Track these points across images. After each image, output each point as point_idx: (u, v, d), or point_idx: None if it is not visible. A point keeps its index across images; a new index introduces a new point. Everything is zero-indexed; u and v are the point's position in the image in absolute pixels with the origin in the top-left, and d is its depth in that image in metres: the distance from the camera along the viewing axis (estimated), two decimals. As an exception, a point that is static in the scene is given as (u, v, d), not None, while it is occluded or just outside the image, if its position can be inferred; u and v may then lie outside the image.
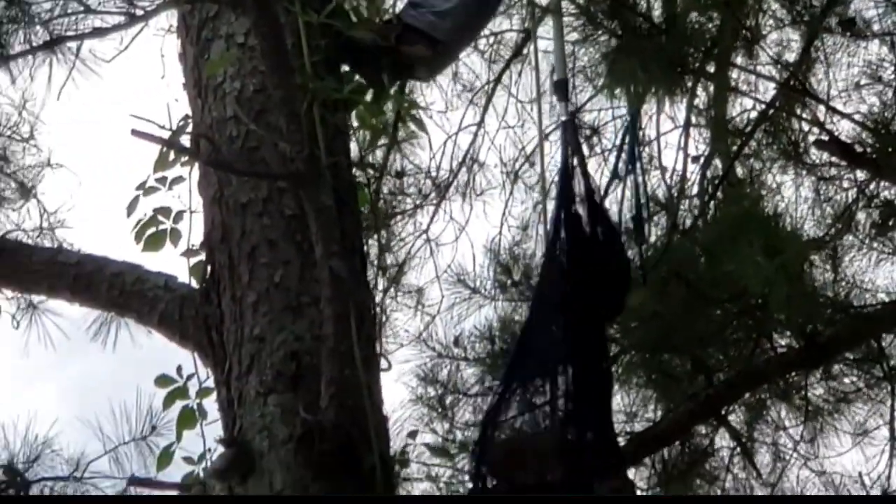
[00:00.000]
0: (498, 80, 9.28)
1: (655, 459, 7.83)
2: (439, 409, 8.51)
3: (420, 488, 7.50)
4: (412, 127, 7.63)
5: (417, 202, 9.43)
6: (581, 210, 5.23)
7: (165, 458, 5.34)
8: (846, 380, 7.67)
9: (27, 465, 6.49)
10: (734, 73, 7.92)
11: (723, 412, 7.44)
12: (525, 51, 9.02)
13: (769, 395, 7.46)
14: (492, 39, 9.22)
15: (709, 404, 7.27)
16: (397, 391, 8.35)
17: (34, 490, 6.41)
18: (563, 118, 5.70)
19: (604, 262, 5.21)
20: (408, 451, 6.31)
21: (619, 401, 7.67)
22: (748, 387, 7.40)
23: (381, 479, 4.43)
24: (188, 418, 5.14)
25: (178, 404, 5.27)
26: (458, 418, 8.45)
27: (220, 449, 4.59)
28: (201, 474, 4.99)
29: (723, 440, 8.11)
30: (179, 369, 5.23)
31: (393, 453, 4.98)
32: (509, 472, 4.90)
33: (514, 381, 5.01)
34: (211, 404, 4.93)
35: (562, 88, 5.79)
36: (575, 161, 5.37)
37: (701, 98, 8.27)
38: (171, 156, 5.24)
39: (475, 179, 9.54)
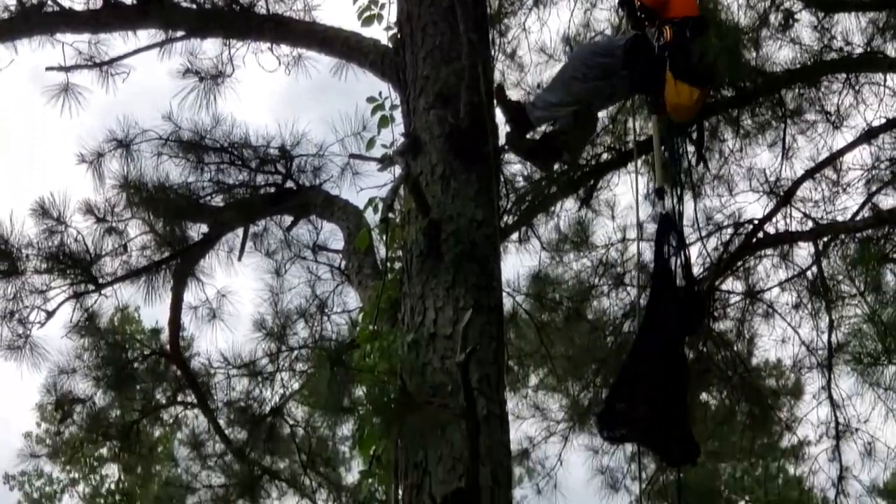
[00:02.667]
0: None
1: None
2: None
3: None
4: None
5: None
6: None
7: (371, 143, 8.68)
8: (760, 112, 10.78)
9: (292, 147, 9.91)
10: None
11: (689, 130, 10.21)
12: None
13: (720, 121, 10.63)
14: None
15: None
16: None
17: (295, 162, 9.82)
18: (662, 212, 7.44)
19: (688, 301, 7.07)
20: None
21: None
22: (706, 116, 10.49)
23: (493, 160, 7.23)
24: (385, 121, 8.41)
25: (379, 114, 8.46)
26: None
27: (402, 139, 7.50)
28: (390, 153, 8.04)
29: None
30: (380, 94, 8.45)
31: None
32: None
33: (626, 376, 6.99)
34: (398, 115, 8.04)
35: (659, 193, 7.58)
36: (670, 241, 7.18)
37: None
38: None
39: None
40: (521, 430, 13.02)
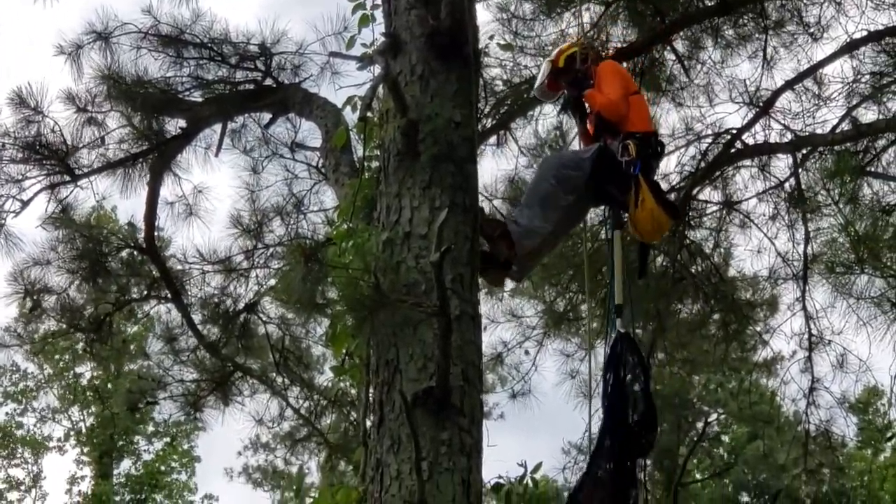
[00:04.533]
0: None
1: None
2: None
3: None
4: None
5: None
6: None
7: (351, 42, 8.69)
8: (742, 23, 10.75)
9: (272, 44, 9.85)
10: None
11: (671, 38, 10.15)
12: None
13: (701, 32, 10.59)
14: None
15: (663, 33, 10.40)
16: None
17: (275, 60, 9.76)
18: (621, 330, 7.46)
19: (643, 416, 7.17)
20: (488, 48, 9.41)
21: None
22: (687, 24, 10.52)
23: (472, 61, 7.26)
24: (365, 21, 8.28)
25: (359, 13, 8.30)
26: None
27: (382, 39, 7.40)
28: (370, 53, 8.03)
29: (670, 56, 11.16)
30: (362, -6, 8.29)
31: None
32: None
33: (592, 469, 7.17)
34: (379, 14, 7.92)
35: (618, 310, 7.58)
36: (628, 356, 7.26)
37: None
38: None
39: None
40: (495, 335, 13.11)
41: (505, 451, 8.07)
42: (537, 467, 7.58)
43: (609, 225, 8.06)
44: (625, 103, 7.92)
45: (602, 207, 8.25)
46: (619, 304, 7.63)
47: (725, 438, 39.22)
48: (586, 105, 8.18)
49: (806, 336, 11.99)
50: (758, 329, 12.86)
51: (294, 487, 17.37)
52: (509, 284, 10.60)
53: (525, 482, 7.57)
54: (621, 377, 7.22)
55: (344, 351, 7.40)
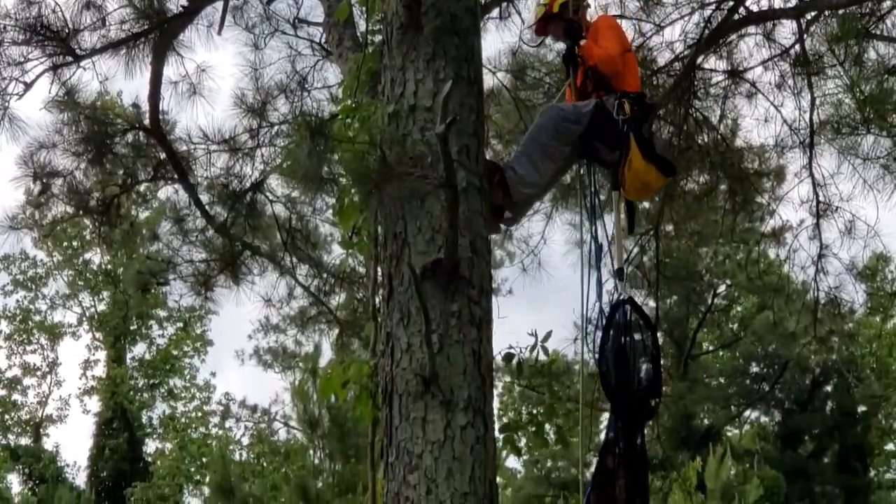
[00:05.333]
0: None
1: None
2: None
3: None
4: None
5: None
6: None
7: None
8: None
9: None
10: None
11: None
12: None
13: None
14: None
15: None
16: None
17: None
18: (623, 295, 7.49)
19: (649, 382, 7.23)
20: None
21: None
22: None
23: None
24: None
25: None
26: None
27: None
28: None
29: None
30: None
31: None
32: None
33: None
34: None
35: (619, 274, 7.68)
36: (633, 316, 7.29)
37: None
38: None
39: None
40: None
41: (515, 326, 8.13)
42: (547, 336, 7.65)
43: (589, 188, 8.10)
44: (621, 60, 7.93)
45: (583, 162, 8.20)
46: (619, 269, 7.74)
47: (735, 311, 39.44)
48: (579, 57, 8.11)
49: (813, 203, 11.95)
50: (765, 199, 12.84)
51: (309, 366, 17.50)
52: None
53: (536, 352, 7.63)
54: (623, 344, 7.25)
55: (351, 226, 7.41)
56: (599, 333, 7.32)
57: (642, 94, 8.02)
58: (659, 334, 8.85)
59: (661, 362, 7.44)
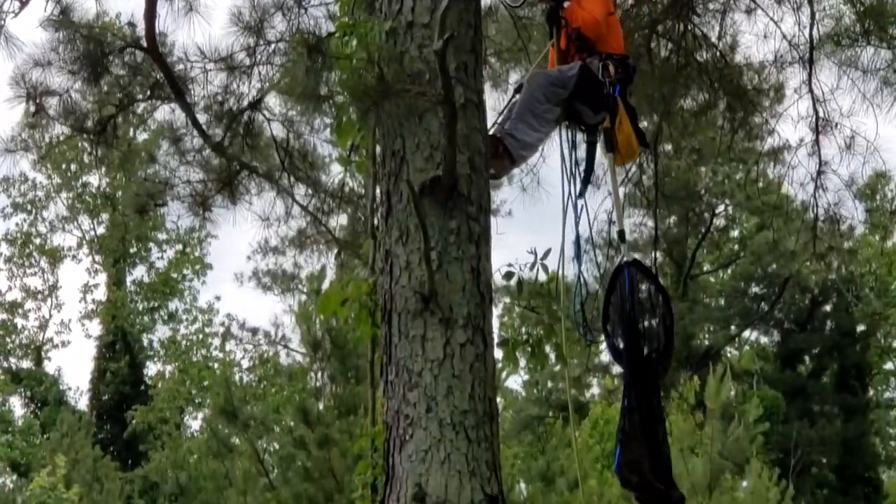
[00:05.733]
0: None
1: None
2: None
3: None
4: None
5: None
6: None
7: None
8: None
9: None
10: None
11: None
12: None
13: None
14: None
15: None
16: None
17: None
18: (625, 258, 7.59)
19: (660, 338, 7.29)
20: None
21: None
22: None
23: None
24: None
25: None
26: None
27: None
28: None
29: None
30: None
31: None
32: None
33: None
34: None
35: (621, 236, 7.86)
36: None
37: None
38: None
39: None
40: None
41: (514, 247, 8.12)
42: (547, 253, 7.61)
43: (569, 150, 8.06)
44: (605, 23, 7.92)
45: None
46: (620, 231, 7.85)
47: (734, 233, 39.48)
48: (563, 19, 8.03)
49: (813, 119, 11.88)
50: (764, 116, 12.76)
51: (314, 287, 17.48)
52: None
53: (535, 270, 7.61)
54: (630, 311, 7.26)
55: (349, 143, 7.38)
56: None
57: (626, 57, 8.05)
58: (658, 255, 8.79)
59: (673, 323, 7.42)
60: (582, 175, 7.83)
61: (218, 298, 55.12)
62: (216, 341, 44.15)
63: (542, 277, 7.72)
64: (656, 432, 7.08)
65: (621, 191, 10.74)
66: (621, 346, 7.27)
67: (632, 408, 7.09)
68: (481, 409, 6.12)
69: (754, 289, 38.19)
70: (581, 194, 7.92)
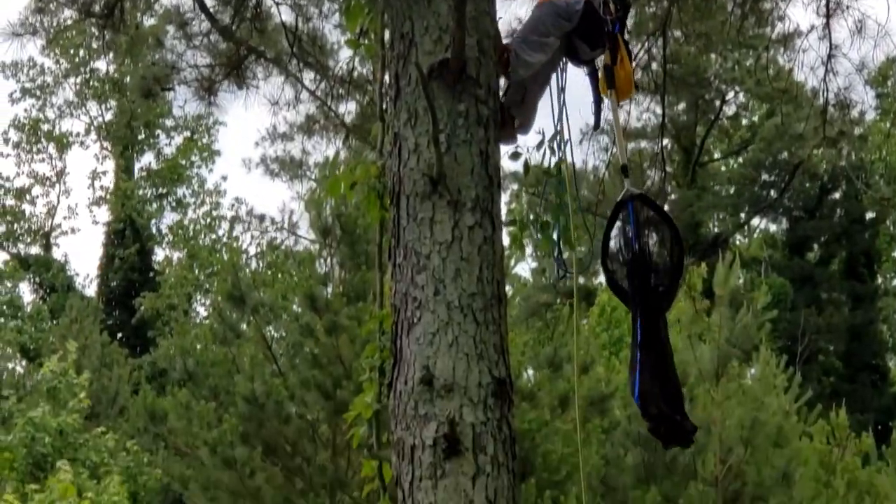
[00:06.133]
0: None
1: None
2: None
3: None
4: None
5: None
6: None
7: None
8: None
9: None
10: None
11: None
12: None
13: None
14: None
15: None
16: None
17: None
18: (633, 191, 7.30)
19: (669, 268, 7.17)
20: None
21: None
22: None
23: None
24: None
25: None
26: None
27: None
28: None
29: None
30: None
31: None
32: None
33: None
34: None
35: (625, 170, 7.66)
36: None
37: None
38: None
39: None
40: (510, 12, 12.82)
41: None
42: (554, 136, 7.58)
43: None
44: None
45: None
46: (624, 165, 7.75)
47: (744, 121, 39.32)
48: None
49: (823, 2, 11.75)
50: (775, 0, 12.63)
51: (325, 172, 17.45)
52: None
53: (543, 150, 7.59)
54: (635, 241, 7.17)
55: (358, 26, 7.33)
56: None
57: None
58: (666, 142, 8.73)
59: (682, 257, 7.36)
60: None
61: (224, 178, 55.19)
62: (224, 225, 44.29)
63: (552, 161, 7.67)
64: (666, 364, 7.09)
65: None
66: (624, 283, 7.21)
67: (642, 342, 7.07)
68: (489, 291, 6.13)
69: (764, 176, 38.12)
70: (595, 126, 7.97)
